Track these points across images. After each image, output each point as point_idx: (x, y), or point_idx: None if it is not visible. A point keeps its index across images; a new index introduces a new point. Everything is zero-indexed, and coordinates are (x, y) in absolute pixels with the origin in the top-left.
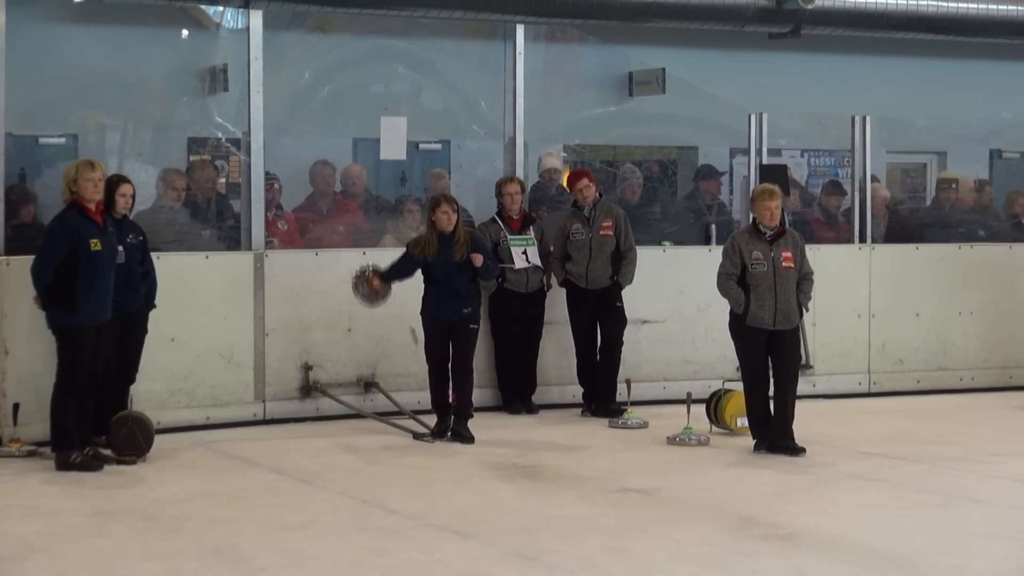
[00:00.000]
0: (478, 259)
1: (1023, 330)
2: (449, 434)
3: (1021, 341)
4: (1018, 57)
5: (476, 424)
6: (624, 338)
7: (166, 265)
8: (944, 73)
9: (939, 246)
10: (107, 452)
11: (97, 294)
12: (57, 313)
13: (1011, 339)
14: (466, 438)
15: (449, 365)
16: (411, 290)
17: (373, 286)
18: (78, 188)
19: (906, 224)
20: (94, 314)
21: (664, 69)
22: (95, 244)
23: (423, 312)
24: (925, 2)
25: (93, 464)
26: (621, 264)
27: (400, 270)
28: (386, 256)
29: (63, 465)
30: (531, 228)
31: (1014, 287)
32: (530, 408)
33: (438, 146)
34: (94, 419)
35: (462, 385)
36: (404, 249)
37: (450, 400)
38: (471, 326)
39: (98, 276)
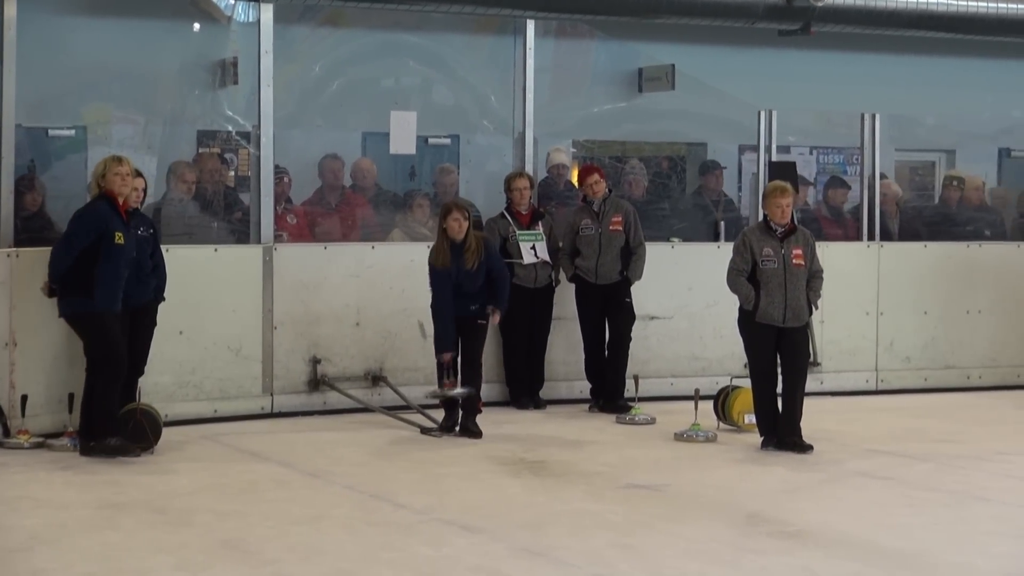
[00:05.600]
0: (496, 319)
1: None
2: (457, 429)
3: None
4: None
5: (484, 419)
6: (632, 334)
7: (175, 258)
8: (954, 71)
9: (947, 244)
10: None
11: (113, 286)
12: (73, 300)
13: (1019, 338)
14: (474, 433)
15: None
16: (419, 284)
17: (451, 386)
18: (106, 183)
19: (913, 222)
20: (109, 302)
21: (673, 65)
22: (119, 237)
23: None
24: (935, 0)
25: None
26: (630, 260)
27: (444, 314)
28: (393, 250)
29: (109, 451)
30: (540, 223)
31: (1022, 286)
32: (538, 403)
33: (447, 141)
34: None
35: (471, 380)
36: (428, 267)
37: None
38: (480, 322)
39: (117, 269)
